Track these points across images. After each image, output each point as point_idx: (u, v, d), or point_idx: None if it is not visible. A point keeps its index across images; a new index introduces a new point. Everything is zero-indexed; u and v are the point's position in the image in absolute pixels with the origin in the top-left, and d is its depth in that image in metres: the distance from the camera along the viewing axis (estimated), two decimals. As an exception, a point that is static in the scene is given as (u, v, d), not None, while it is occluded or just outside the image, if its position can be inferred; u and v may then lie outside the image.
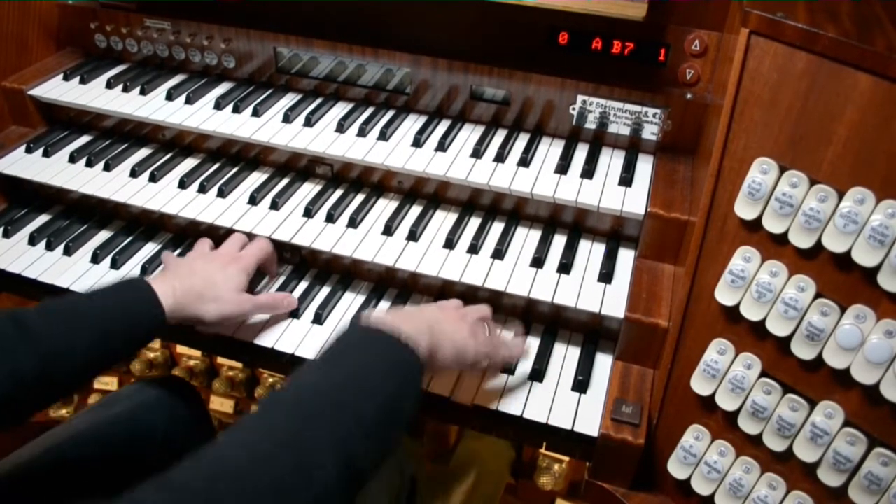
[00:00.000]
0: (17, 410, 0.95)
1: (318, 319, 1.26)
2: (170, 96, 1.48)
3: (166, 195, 1.37)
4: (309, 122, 1.40)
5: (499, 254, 1.25)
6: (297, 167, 1.45)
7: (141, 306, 1.06)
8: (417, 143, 1.35)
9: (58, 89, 1.51)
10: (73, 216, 1.48)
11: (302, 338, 1.23)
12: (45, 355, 0.94)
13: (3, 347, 0.92)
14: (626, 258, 1.25)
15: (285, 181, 1.42)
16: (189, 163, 1.47)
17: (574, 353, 1.23)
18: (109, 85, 1.51)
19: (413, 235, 1.28)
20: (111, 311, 1.03)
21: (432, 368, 0.99)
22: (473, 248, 1.26)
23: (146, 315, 1.06)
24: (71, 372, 0.98)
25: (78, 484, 1.15)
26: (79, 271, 1.34)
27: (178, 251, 1.40)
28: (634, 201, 1.22)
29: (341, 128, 1.39)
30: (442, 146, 1.34)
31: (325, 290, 1.33)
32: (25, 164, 1.45)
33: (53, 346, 0.95)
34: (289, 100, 1.49)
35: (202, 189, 1.38)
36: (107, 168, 1.43)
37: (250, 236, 1.32)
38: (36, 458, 1.13)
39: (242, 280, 1.20)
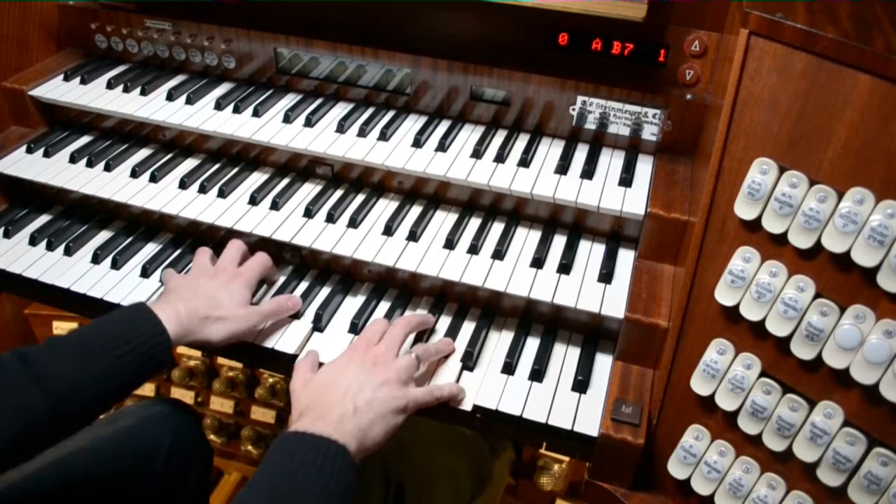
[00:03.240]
0: (29, 449, 0.95)
1: (319, 320, 1.26)
2: (170, 97, 1.48)
3: (167, 195, 1.37)
4: (309, 123, 1.41)
5: (499, 254, 1.25)
6: (297, 167, 1.45)
7: (146, 336, 1.05)
8: (418, 143, 1.35)
9: (58, 90, 1.51)
10: (73, 216, 1.48)
11: (303, 338, 1.23)
12: (54, 393, 0.94)
13: (12, 386, 0.93)
14: (625, 258, 1.25)
15: (285, 181, 1.42)
16: (189, 163, 1.48)
17: (574, 353, 1.23)
18: (110, 85, 1.52)
19: (413, 236, 1.28)
20: (117, 343, 1.02)
21: (363, 449, 0.99)
22: (473, 249, 1.26)
23: (152, 345, 1.05)
24: (81, 408, 0.99)
25: (86, 497, 1.15)
26: (79, 271, 1.34)
27: (178, 251, 1.40)
28: (634, 202, 1.23)
29: (341, 128, 1.39)
30: (442, 146, 1.34)
31: (326, 291, 1.33)
32: (26, 165, 1.45)
33: (62, 383, 0.96)
34: (289, 100, 1.49)
35: (202, 189, 1.38)
36: (107, 168, 1.43)
37: (250, 237, 1.32)
38: (44, 469, 1.13)
39: (246, 295, 1.21)
